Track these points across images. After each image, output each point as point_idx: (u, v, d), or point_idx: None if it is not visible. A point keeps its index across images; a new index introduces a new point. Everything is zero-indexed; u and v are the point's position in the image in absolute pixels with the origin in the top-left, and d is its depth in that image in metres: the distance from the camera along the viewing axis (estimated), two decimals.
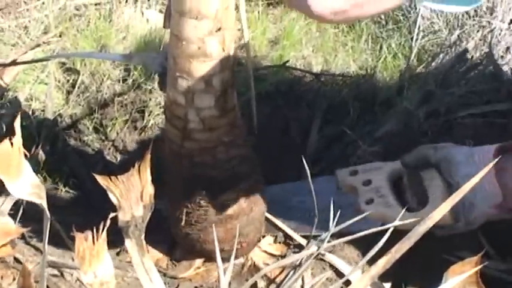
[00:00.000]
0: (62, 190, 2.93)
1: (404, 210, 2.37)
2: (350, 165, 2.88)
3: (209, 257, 2.62)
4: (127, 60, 2.84)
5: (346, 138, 3.10)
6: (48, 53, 3.44)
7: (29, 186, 2.03)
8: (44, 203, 1.79)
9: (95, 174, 2.27)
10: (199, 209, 2.48)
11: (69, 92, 3.33)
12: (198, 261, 2.66)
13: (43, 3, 3.76)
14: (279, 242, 2.75)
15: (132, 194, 2.25)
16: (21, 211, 2.61)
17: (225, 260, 2.61)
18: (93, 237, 1.89)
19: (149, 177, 2.29)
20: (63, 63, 3.42)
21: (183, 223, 2.51)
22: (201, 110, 2.24)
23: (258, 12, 3.84)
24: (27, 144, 2.97)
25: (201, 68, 2.15)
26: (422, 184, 2.66)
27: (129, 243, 2.17)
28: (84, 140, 3.20)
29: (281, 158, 3.07)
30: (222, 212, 2.49)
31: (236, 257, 2.63)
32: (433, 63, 3.38)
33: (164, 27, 2.26)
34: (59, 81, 3.36)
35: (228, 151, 2.36)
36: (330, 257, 2.58)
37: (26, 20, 3.66)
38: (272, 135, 3.15)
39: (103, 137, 3.21)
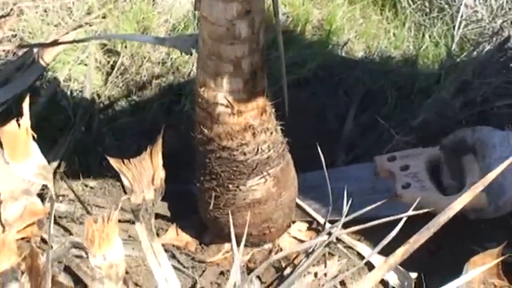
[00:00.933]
0: (94, 171, 2.94)
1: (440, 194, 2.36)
2: (384, 153, 2.87)
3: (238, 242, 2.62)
4: (160, 43, 2.85)
5: (382, 126, 3.07)
6: (90, 34, 3.46)
7: (35, 167, 2.06)
8: (50, 185, 1.81)
9: (108, 157, 2.29)
10: (227, 192, 2.47)
11: (108, 74, 3.35)
12: (227, 246, 2.65)
13: None
14: (312, 229, 2.74)
15: (144, 178, 2.26)
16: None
17: (254, 244, 2.65)
18: (103, 220, 1.89)
19: (161, 162, 2.30)
20: (104, 45, 3.44)
21: (211, 207, 2.51)
22: (230, 93, 2.23)
23: None
24: (62, 125, 3.08)
25: (229, 50, 2.14)
26: (460, 169, 2.65)
27: (139, 227, 2.19)
28: (121, 121, 3.21)
29: (317, 144, 3.05)
30: (250, 197, 2.49)
31: (264, 242, 2.64)
32: (474, 53, 3.32)
33: (195, 9, 2.26)
34: (99, 63, 3.39)
35: (255, 135, 2.35)
36: (349, 241, 2.58)
37: (70, 1, 3.69)
38: (308, 121, 3.13)
39: (139, 120, 3.20)
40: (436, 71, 3.30)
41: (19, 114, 2.14)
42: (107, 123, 3.19)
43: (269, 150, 2.41)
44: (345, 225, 2.39)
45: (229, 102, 2.24)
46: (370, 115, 3.14)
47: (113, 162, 2.30)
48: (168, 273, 2.16)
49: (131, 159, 2.29)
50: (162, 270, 2.14)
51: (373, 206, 2.33)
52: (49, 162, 2.82)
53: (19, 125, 2.11)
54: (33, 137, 2.09)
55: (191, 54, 2.43)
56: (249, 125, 2.32)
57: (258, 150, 2.37)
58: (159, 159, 2.31)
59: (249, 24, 2.10)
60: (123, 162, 2.29)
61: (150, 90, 3.28)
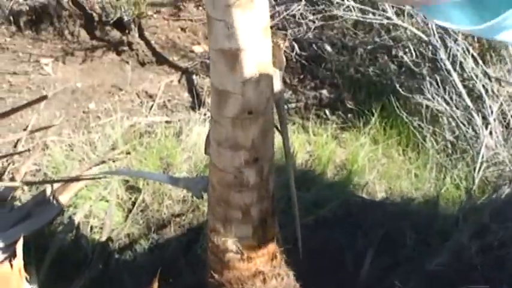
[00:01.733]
0: None
1: None
2: None
3: None
4: (173, 183, 2.87)
5: (399, 270, 3.03)
6: (113, 169, 3.50)
7: None
8: None
9: None
10: None
11: (129, 210, 3.36)
12: None
13: (115, 120, 3.87)
14: None
15: None
16: None
17: None
18: None
19: None
20: (126, 181, 3.47)
21: None
22: (239, 240, 2.23)
23: (327, 135, 3.84)
24: (80, 261, 3.09)
25: (238, 197, 2.16)
26: None
27: None
28: (138, 260, 3.20)
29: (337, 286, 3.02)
30: None
31: None
32: (494, 195, 3.29)
33: (205, 153, 2.28)
34: (121, 199, 3.40)
35: (266, 282, 2.33)
36: None
37: (96, 136, 3.76)
38: (325, 263, 3.10)
39: (158, 258, 3.19)
40: (455, 213, 3.27)
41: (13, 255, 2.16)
42: (124, 261, 3.18)
43: None
44: None
45: (238, 248, 2.23)
46: (388, 258, 3.10)
47: None
48: None
49: None
50: None
51: None
52: None
53: (11, 265, 2.12)
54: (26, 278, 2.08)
55: (202, 198, 2.44)
56: (259, 271, 2.31)
57: None
58: None
59: (257, 172, 2.12)
60: None
61: (170, 228, 3.27)
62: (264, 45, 1.94)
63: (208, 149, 2.19)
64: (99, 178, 3.28)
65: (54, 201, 3.06)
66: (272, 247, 2.32)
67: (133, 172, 3.19)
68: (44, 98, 3.66)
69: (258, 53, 1.92)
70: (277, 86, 2.09)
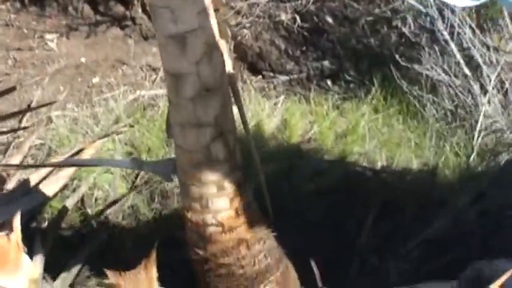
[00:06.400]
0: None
1: None
2: (399, 263, 2.88)
3: None
4: (137, 167, 2.89)
5: (399, 236, 3.08)
6: (117, 142, 3.54)
7: (26, 280, 2.11)
8: None
9: (106, 270, 2.32)
10: None
11: (132, 182, 3.41)
12: None
13: (118, 94, 3.92)
14: None
15: None
16: None
17: None
18: None
19: (155, 274, 2.32)
20: (130, 153, 3.52)
21: None
22: (217, 213, 2.28)
23: (328, 106, 3.87)
24: (85, 232, 3.15)
25: (210, 173, 2.20)
26: None
27: None
28: (142, 231, 3.25)
29: (335, 253, 3.06)
30: None
31: None
32: (493, 162, 3.33)
33: (168, 137, 2.31)
34: (125, 171, 3.45)
35: (250, 248, 2.38)
36: None
37: (100, 110, 3.81)
38: (327, 230, 3.15)
39: (161, 228, 3.24)
40: (455, 180, 3.30)
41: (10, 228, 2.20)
42: (128, 232, 3.23)
43: (266, 258, 2.43)
44: None
45: (218, 221, 2.28)
46: (387, 225, 3.14)
47: (110, 275, 2.33)
48: None
49: (127, 272, 2.32)
50: None
51: None
52: (70, 268, 2.90)
53: (9, 239, 2.16)
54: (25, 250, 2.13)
55: (172, 181, 2.47)
56: (241, 240, 2.35)
57: (255, 261, 2.39)
58: (153, 272, 2.33)
59: (224, 145, 2.16)
60: (120, 274, 2.32)
61: (173, 199, 3.32)
62: (210, 23, 1.98)
63: (171, 131, 2.22)
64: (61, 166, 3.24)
65: (59, 174, 3.08)
66: (249, 214, 2.35)
67: (89, 160, 3.15)
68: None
69: (206, 31, 1.97)
70: (226, 58, 2.12)
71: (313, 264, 2.60)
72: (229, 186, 2.24)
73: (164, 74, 2.14)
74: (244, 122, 2.33)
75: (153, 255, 2.30)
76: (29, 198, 2.87)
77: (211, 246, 2.34)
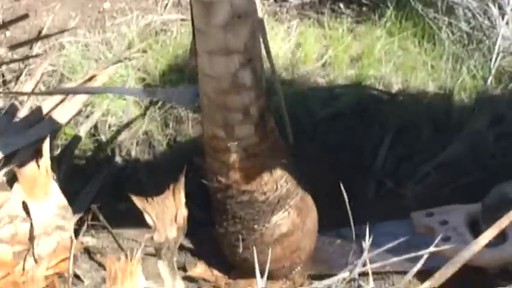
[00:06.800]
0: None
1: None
2: (416, 186, 2.89)
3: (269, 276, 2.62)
4: (150, 96, 2.86)
5: (415, 159, 3.06)
6: (130, 68, 3.50)
7: (55, 207, 2.10)
8: (68, 224, 1.84)
9: (131, 195, 2.32)
10: (253, 233, 2.51)
11: (146, 108, 3.38)
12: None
13: (131, 18, 3.87)
14: None
15: (167, 216, 2.28)
16: (85, 227, 2.72)
17: (286, 275, 2.66)
18: (126, 258, 1.93)
19: (183, 200, 2.32)
20: (143, 79, 3.48)
21: (240, 249, 2.55)
22: (242, 140, 2.28)
23: (343, 29, 3.82)
24: (99, 159, 3.14)
25: (237, 100, 2.19)
26: None
27: (161, 265, 2.21)
28: (156, 157, 3.25)
29: (352, 177, 3.05)
30: (276, 232, 2.51)
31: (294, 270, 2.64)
32: (510, 85, 3.29)
33: (189, 66, 2.29)
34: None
35: (273, 174, 2.38)
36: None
37: (112, 35, 3.77)
38: (343, 154, 3.14)
39: (176, 154, 3.23)
40: (472, 103, 3.27)
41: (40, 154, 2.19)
42: (142, 158, 3.24)
43: (287, 184, 2.45)
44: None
45: (242, 148, 2.27)
46: (404, 148, 3.13)
47: (136, 200, 2.33)
48: None
49: (154, 198, 2.32)
50: None
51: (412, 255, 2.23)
52: (84, 195, 2.90)
53: (38, 166, 2.15)
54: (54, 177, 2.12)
55: (195, 111, 2.43)
56: (265, 166, 2.34)
57: (277, 186, 2.39)
58: (181, 198, 2.34)
59: (252, 72, 2.15)
60: (146, 200, 2.32)
61: (187, 125, 3.30)
62: None
63: (194, 60, 2.20)
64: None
65: (72, 101, 3.06)
66: (273, 140, 2.36)
67: (99, 88, 3.11)
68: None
69: None
70: None
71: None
72: (254, 113, 2.23)
73: (190, 2, 2.09)
74: (267, 50, 2.30)
75: (182, 180, 2.29)
76: (42, 125, 2.86)
77: (234, 173, 2.34)
